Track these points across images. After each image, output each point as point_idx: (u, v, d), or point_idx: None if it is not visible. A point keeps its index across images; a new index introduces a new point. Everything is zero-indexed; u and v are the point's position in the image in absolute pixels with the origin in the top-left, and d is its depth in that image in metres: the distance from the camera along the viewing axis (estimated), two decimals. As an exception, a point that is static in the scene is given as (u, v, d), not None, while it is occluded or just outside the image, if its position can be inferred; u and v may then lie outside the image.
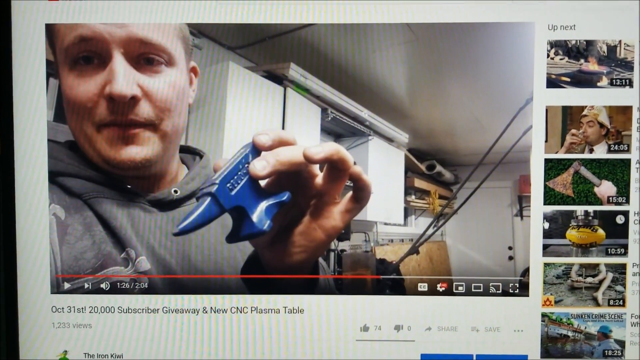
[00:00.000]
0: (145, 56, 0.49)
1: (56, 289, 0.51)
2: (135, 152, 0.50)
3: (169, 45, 0.51)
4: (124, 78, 0.48)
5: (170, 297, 0.53)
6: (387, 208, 0.61)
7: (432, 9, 0.52)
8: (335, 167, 0.40)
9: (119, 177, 0.51)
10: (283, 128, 0.60)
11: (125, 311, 0.53)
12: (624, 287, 0.54)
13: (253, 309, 0.54)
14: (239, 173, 0.38)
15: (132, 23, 0.50)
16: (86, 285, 0.51)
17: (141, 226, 0.50)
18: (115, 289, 0.51)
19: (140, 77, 0.49)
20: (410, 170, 0.60)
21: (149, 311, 0.53)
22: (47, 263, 0.51)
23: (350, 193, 0.42)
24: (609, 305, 0.55)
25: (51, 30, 0.51)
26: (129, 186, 0.52)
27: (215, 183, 0.37)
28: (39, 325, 0.53)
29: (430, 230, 0.58)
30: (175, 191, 0.53)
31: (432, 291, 0.55)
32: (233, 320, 0.54)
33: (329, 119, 0.60)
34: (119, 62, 0.48)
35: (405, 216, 0.65)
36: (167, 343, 0.54)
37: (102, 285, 0.51)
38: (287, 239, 0.42)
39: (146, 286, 0.51)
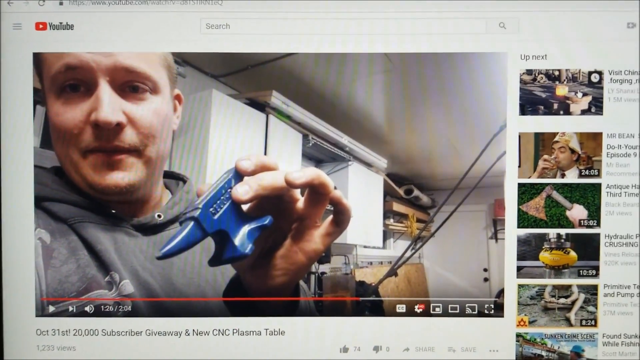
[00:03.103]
0: (130, 84, 0.52)
1: (41, 312, 0.53)
2: (120, 178, 0.52)
3: (154, 73, 0.54)
4: (110, 105, 0.51)
5: (153, 319, 0.56)
6: (366, 231, 0.65)
7: (410, 39, 0.56)
8: (316, 192, 0.42)
9: (103, 202, 0.54)
10: (265, 154, 0.63)
11: (109, 334, 0.56)
12: (596, 308, 0.58)
13: (235, 331, 0.57)
14: (222, 198, 0.40)
15: (118, 52, 0.52)
16: (71, 309, 0.53)
17: (125, 250, 0.53)
18: (99, 312, 0.54)
19: (125, 105, 0.52)
20: (389, 194, 0.64)
21: (132, 334, 0.56)
22: (32, 286, 0.53)
23: (330, 217, 0.44)
24: (581, 325, 0.58)
25: (38, 59, 0.54)
26: (113, 211, 0.54)
27: (198, 207, 0.38)
28: (24, 348, 0.56)
29: (409, 253, 0.61)
30: (159, 215, 0.56)
31: (410, 312, 0.58)
32: (215, 343, 0.57)
33: (310, 144, 0.64)
34: (105, 90, 0.51)
35: (384, 239, 0.68)
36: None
37: (87, 309, 0.54)
38: (268, 262, 0.44)
39: (130, 309, 0.54)
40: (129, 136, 0.53)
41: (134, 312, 0.54)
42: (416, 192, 0.64)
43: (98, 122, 0.51)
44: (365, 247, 0.67)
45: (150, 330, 0.57)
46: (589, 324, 0.59)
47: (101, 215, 0.54)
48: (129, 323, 0.56)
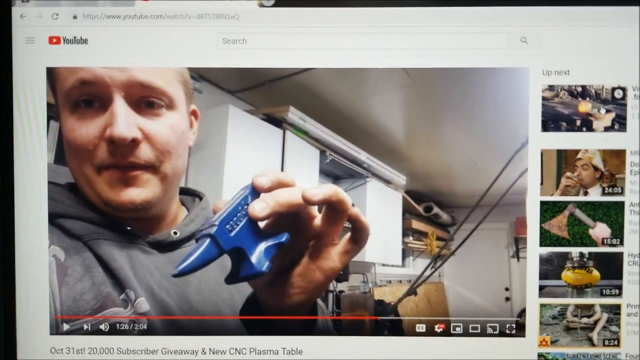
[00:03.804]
0: (145, 99, 0.53)
1: (55, 330, 0.54)
2: (135, 194, 0.53)
3: (170, 88, 0.54)
4: (125, 121, 0.51)
5: (169, 338, 0.56)
6: (385, 249, 0.65)
7: (429, 54, 0.56)
8: (334, 209, 0.42)
9: (118, 219, 0.54)
10: (282, 170, 0.64)
11: (124, 352, 0.56)
12: (619, 328, 0.58)
13: (252, 350, 0.57)
14: (238, 214, 0.40)
15: (133, 67, 0.53)
16: (85, 327, 0.53)
17: (140, 267, 0.53)
18: (114, 330, 0.54)
19: (140, 120, 0.52)
20: (407, 211, 0.64)
21: (148, 352, 0.56)
22: (47, 304, 0.54)
23: (348, 234, 0.44)
24: (604, 345, 0.58)
25: (52, 74, 0.54)
26: (128, 228, 0.54)
27: (214, 224, 0.39)
28: None
29: (428, 272, 0.61)
30: (175, 233, 0.56)
31: (430, 332, 0.58)
32: None
33: (328, 161, 0.64)
34: (120, 105, 0.51)
35: (403, 257, 0.68)
36: (165, 385, 0.56)
37: (102, 327, 0.54)
38: (285, 280, 0.44)
39: (145, 327, 0.54)
40: (145, 152, 0.53)
41: (150, 331, 0.54)
42: (436, 210, 0.64)
43: (113, 138, 0.51)
44: (384, 265, 0.67)
45: (167, 349, 0.57)
46: (611, 344, 0.58)
47: (116, 232, 0.54)
48: (144, 341, 0.56)
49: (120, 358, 0.56)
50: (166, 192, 0.55)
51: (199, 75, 0.57)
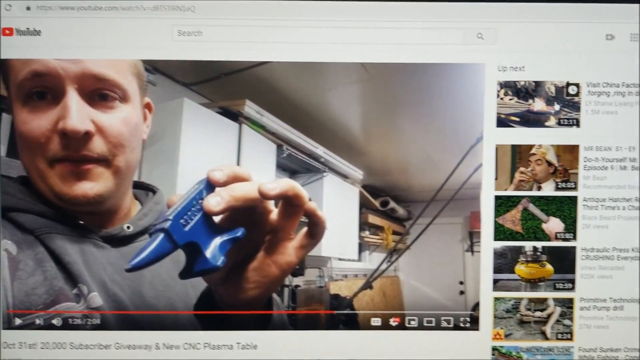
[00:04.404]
0: (99, 92, 0.56)
1: (7, 324, 0.57)
2: (88, 188, 0.56)
3: (124, 81, 0.57)
4: (78, 114, 0.54)
5: (123, 333, 0.59)
6: (341, 244, 0.69)
7: (387, 49, 0.61)
8: (290, 203, 0.45)
9: (71, 213, 0.57)
10: (238, 164, 0.67)
11: (77, 347, 0.59)
12: (572, 321, 0.63)
13: (206, 345, 0.61)
14: (193, 209, 0.42)
15: (87, 59, 0.56)
16: (38, 321, 0.57)
17: (93, 262, 0.56)
18: (67, 325, 0.58)
19: (94, 113, 0.55)
20: (364, 206, 0.68)
21: (101, 347, 0.60)
22: None
23: (305, 229, 0.48)
24: (557, 338, 0.64)
25: (4, 65, 0.57)
26: (81, 222, 0.58)
27: (168, 219, 0.40)
28: None
29: (384, 266, 0.66)
30: (128, 227, 0.59)
31: (385, 326, 0.63)
32: (185, 357, 0.61)
33: (284, 155, 0.68)
34: (73, 98, 0.54)
35: (360, 252, 0.73)
36: (119, 380, 0.60)
37: (54, 322, 0.57)
38: (241, 275, 0.47)
39: (98, 322, 0.57)
40: (98, 145, 0.56)
41: (103, 326, 0.58)
42: (392, 204, 0.68)
43: (66, 131, 0.53)
44: (340, 259, 0.70)
45: (120, 344, 0.60)
46: (564, 337, 0.64)
47: (69, 226, 0.57)
48: (97, 336, 0.59)
49: (73, 353, 0.60)
50: (119, 186, 0.59)
51: (153, 67, 0.61)
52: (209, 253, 0.42)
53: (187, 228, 0.41)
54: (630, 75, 0.63)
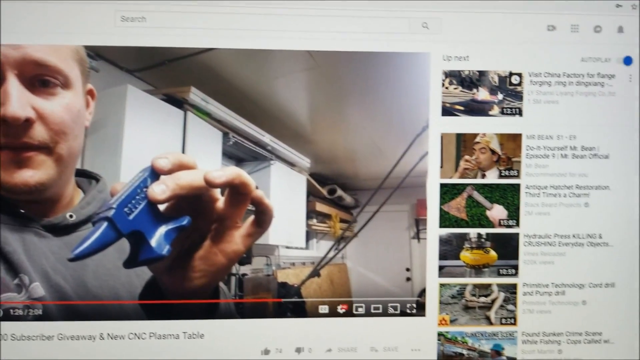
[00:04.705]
0: (40, 78, 0.56)
1: None
2: (29, 176, 0.57)
3: (65, 67, 0.58)
4: (18, 100, 0.55)
5: (66, 323, 0.60)
6: (289, 232, 0.71)
7: (333, 37, 0.63)
8: (237, 192, 0.46)
9: (11, 201, 0.58)
10: (183, 152, 0.68)
11: (18, 339, 0.60)
12: (515, 307, 0.67)
13: (152, 334, 0.63)
14: (137, 197, 0.43)
15: (27, 44, 0.57)
16: None
17: (35, 251, 0.57)
18: (8, 316, 0.59)
19: (34, 100, 0.56)
20: (311, 194, 0.70)
21: (44, 338, 0.61)
22: None
23: (252, 217, 0.49)
24: (501, 323, 0.68)
25: None
26: (22, 210, 0.58)
27: (112, 207, 0.41)
28: None
29: (331, 253, 0.69)
30: (71, 216, 0.60)
31: (333, 313, 0.66)
32: (131, 347, 0.62)
33: (231, 143, 0.70)
34: (13, 84, 0.55)
35: (307, 240, 0.76)
36: (62, 371, 0.61)
37: None
38: (187, 264, 0.48)
39: (40, 313, 0.58)
40: (39, 133, 0.57)
41: (45, 316, 0.59)
42: (339, 192, 0.70)
43: (5, 118, 0.54)
44: (287, 247, 0.73)
45: (63, 335, 0.61)
46: (508, 322, 0.68)
47: (9, 215, 0.58)
48: (39, 327, 0.60)
49: (14, 345, 0.61)
50: (61, 174, 0.60)
51: (96, 53, 0.62)
52: (154, 242, 0.44)
53: (131, 217, 0.42)
54: (571, 66, 0.67)
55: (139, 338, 0.63)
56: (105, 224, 0.41)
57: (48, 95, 0.57)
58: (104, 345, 0.62)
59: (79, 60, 0.61)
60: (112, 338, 0.62)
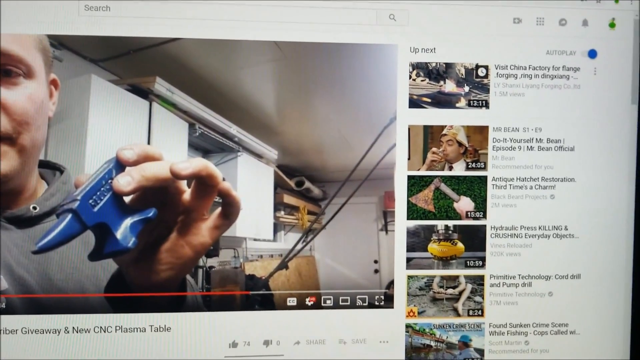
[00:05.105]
0: (2, 68, 0.58)
1: None
2: None
3: (27, 56, 0.59)
4: None
5: (30, 317, 0.62)
6: (256, 224, 0.74)
7: (300, 28, 0.67)
8: (204, 183, 0.48)
9: None
10: (149, 143, 0.70)
11: None
12: (482, 298, 0.71)
13: (118, 328, 0.65)
14: (102, 189, 0.44)
15: None
16: None
17: None
18: None
19: None
20: (279, 186, 0.73)
21: (7, 332, 0.63)
22: None
23: (219, 209, 0.51)
24: (468, 315, 0.71)
25: None
26: None
27: (76, 199, 0.42)
28: None
29: (299, 246, 0.72)
30: (34, 207, 0.62)
31: (301, 305, 0.69)
32: (97, 340, 0.64)
33: (197, 134, 0.72)
34: None
35: (275, 232, 0.78)
36: (26, 365, 0.63)
37: None
38: (153, 256, 0.50)
39: (4, 306, 0.60)
40: (1, 123, 0.58)
41: (9, 310, 0.61)
42: (307, 184, 0.72)
43: None
44: (255, 240, 0.75)
45: (27, 329, 0.63)
46: (476, 313, 0.72)
47: None
48: (3, 321, 0.62)
49: None
50: (24, 165, 0.61)
51: (59, 42, 0.64)
52: (119, 234, 0.45)
53: (96, 208, 0.44)
54: (537, 58, 0.71)
55: (104, 331, 0.65)
56: (69, 216, 0.42)
57: (10, 85, 0.59)
58: (69, 339, 0.64)
59: (42, 50, 0.62)
60: (77, 332, 0.64)
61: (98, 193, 0.44)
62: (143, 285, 0.51)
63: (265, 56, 0.66)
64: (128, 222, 0.46)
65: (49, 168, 0.67)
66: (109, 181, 0.45)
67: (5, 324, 0.63)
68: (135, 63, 0.65)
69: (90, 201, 0.43)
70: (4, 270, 0.59)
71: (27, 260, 0.61)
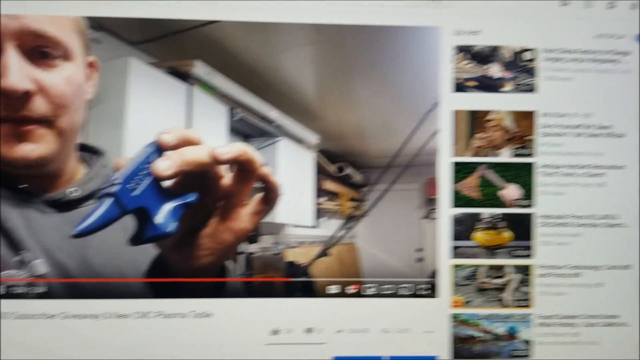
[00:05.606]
0: (39, 49, 0.55)
1: None
2: (29, 150, 0.55)
3: (65, 38, 0.57)
4: (17, 72, 0.53)
5: (69, 302, 0.59)
6: (297, 210, 0.71)
7: (339, 10, 0.63)
8: (243, 168, 0.46)
9: (12, 176, 0.57)
10: (188, 127, 0.67)
11: (20, 317, 0.59)
12: (530, 288, 0.66)
13: (158, 313, 0.61)
14: (142, 173, 0.42)
15: (26, 14, 0.55)
16: None
17: (37, 228, 0.56)
18: (9, 294, 0.58)
19: (34, 72, 0.55)
20: (320, 172, 0.70)
21: (47, 317, 0.60)
22: None
23: (259, 195, 0.48)
24: (515, 306, 0.66)
25: None
26: (23, 185, 0.58)
27: (116, 183, 0.41)
28: None
29: (341, 233, 0.68)
30: (73, 191, 0.59)
31: (343, 293, 0.65)
32: (137, 326, 0.61)
33: (237, 118, 0.69)
34: (12, 55, 0.54)
35: (316, 218, 0.75)
36: (66, 350, 0.60)
37: None
38: (193, 242, 0.48)
39: (43, 291, 0.58)
40: (39, 106, 0.56)
41: (48, 294, 0.58)
42: (348, 170, 0.69)
43: (4, 90, 0.53)
44: (296, 226, 0.72)
45: (66, 313, 0.60)
46: (523, 304, 0.67)
47: (9, 190, 0.57)
48: (42, 305, 0.59)
49: (15, 323, 0.59)
50: (63, 148, 0.59)
51: (98, 24, 0.62)
52: (159, 219, 0.43)
53: (135, 193, 0.42)
54: (585, 42, 0.66)
55: (144, 317, 0.62)
56: (109, 200, 0.40)
57: (48, 68, 0.56)
58: (109, 324, 0.61)
59: (79, 32, 0.60)
60: (117, 317, 0.61)
61: (137, 177, 0.42)
62: (183, 271, 0.49)
63: (305, 39, 0.62)
64: (168, 206, 0.44)
65: (88, 151, 0.65)
66: (149, 165, 0.42)
67: (45, 309, 0.60)
68: (174, 46, 0.63)
69: (130, 185, 0.42)
70: (43, 255, 0.57)
71: (66, 244, 0.58)
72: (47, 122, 0.56)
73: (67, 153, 0.61)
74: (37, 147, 0.56)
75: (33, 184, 0.59)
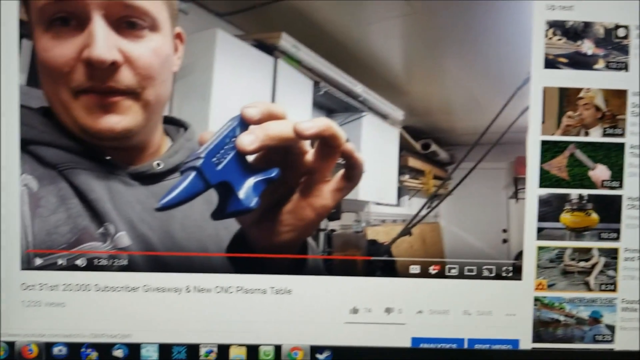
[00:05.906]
0: (127, 19, 0.53)
1: (27, 265, 0.55)
2: (115, 122, 0.53)
3: (153, 8, 0.54)
4: (104, 42, 0.51)
5: (151, 275, 0.58)
6: (379, 187, 0.69)
7: None
8: (327, 144, 0.44)
9: (97, 148, 0.56)
10: (273, 101, 0.65)
11: (102, 289, 0.58)
12: (616, 272, 0.62)
13: (238, 288, 0.59)
14: (226, 147, 0.41)
15: None
16: (60, 262, 0.55)
17: (121, 200, 0.55)
18: (92, 266, 0.56)
19: (121, 42, 0.53)
20: (404, 148, 0.67)
21: (129, 289, 0.58)
22: (17, 237, 0.55)
23: (341, 171, 0.46)
24: (600, 290, 0.63)
25: None
26: (108, 157, 0.56)
27: (200, 157, 0.40)
28: (8, 304, 0.57)
29: (424, 211, 0.66)
30: (158, 164, 0.58)
31: (424, 273, 0.62)
32: (217, 300, 0.59)
33: (321, 93, 0.67)
34: (99, 25, 0.51)
35: (399, 196, 0.72)
36: (147, 323, 0.59)
37: (78, 262, 0.55)
38: (275, 217, 0.46)
39: (126, 263, 0.56)
40: (126, 77, 0.53)
41: (131, 267, 0.56)
42: (434, 147, 0.66)
43: (91, 60, 0.51)
44: (378, 204, 0.69)
45: (148, 286, 0.58)
46: (608, 288, 0.63)
47: (94, 162, 0.56)
48: (124, 278, 0.58)
49: (97, 295, 0.58)
50: (149, 121, 0.57)
51: None
52: (242, 194, 0.42)
53: (219, 167, 0.41)
54: (682, 19, 0.62)
55: (225, 292, 0.60)
56: (193, 174, 0.40)
57: (135, 38, 0.54)
58: (190, 298, 0.59)
59: (167, 2, 0.57)
60: (198, 291, 0.59)
61: (222, 151, 0.41)
62: (265, 246, 0.48)
63: (393, 12, 0.59)
64: (251, 181, 0.43)
65: (174, 124, 0.64)
66: (233, 139, 0.42)
67: (127, 281, 0.58)
68: (260, 18, 0.60)
69: (214, 159, 0.41)
70: (126, 227, 0.55)
71: (150, 217, 0.57)
72: (133, 93, 0.54)
73: (153, 126, 0.59)
74: (122, 119, 0.54)
75: (118, 156, 0.57)
